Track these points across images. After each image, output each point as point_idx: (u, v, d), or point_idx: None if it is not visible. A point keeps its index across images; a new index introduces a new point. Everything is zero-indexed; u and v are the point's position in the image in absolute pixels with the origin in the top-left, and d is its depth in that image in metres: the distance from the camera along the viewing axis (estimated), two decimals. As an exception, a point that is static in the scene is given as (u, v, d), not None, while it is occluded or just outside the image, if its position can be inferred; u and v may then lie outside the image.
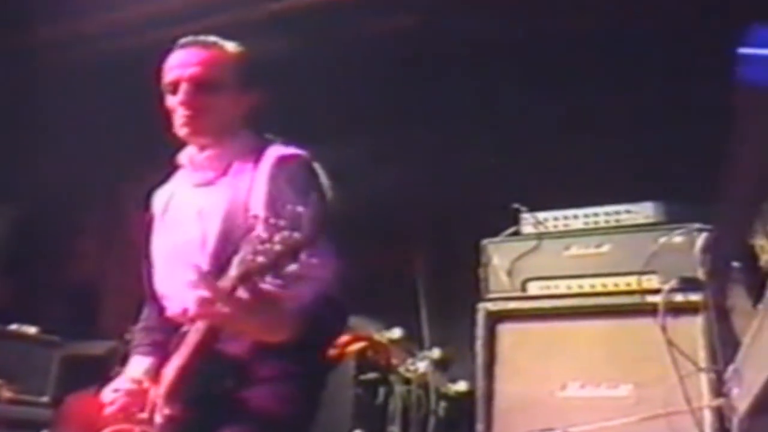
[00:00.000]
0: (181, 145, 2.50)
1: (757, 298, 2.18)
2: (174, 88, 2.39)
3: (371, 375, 4.15)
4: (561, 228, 3.86)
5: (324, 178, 2.34)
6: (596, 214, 3.82)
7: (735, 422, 2.61)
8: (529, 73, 4.88)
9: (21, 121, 5.55)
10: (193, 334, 2.11)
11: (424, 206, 5.09)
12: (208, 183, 2.41)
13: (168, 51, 2.47)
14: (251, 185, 2.29)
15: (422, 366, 4.33)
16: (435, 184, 5.09)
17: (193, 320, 2.16)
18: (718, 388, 3.06)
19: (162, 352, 2.34)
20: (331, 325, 2.24)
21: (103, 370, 4.79)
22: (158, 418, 2.16)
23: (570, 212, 3.87)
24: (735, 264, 2.86)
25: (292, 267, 1.83)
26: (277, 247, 1.79)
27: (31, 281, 5.81)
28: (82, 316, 5.84)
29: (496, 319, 3.76)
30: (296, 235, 1.78)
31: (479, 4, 4.79)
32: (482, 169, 4.95)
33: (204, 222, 2.32)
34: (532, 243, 3.81)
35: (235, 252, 1.98)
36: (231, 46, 2.47)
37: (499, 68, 4.94)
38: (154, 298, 2.53)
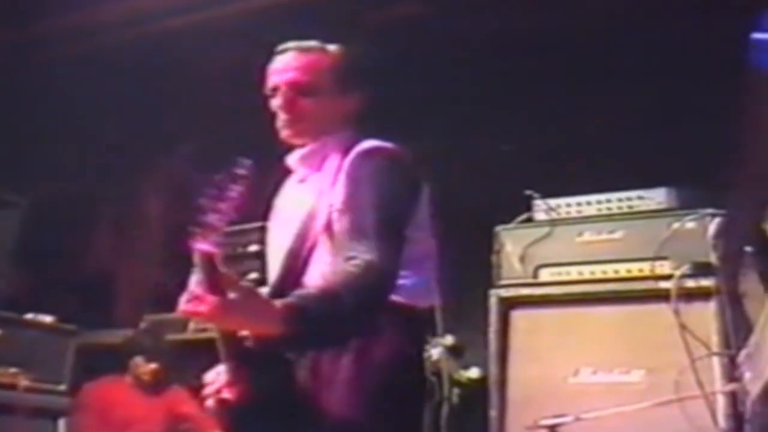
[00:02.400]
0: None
1: (769, 283, 2.19)
2: (274, 93, 2.43)
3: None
4: (574, 214, 3.87)
5: (409, 171, 2.36)
6: (609, 200, 3.83)
7: (748, 406, 2.62)
8: (541, 60, 4.87)
9: (36, 112, 5.57)
10: None
11: (436, 192, 5.08)
12: (305, 179, 2.47)
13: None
14: (335, 179, 2.31)
15: (435, 353, 4.34)
16: (447, 170, 5.08)
17: None
18: (731, 373, 3.07)
19: None
20: (351, 320, 2.11)
21: (119, 359, 4.84)
22: (209, 402, 2.18)
23: (583, 198, 3.88)
24: (747, 249, 2.87)
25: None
26: (222, 205, 1.91)
27: (47, 271, 5.85)
28: (98, 306, 5.88)
29: (508, 305, 3.78)
30: (231, 193, 1.93)
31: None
32: (495, 155, 4.95)
33: (300, 218, 2.37)
34: (545, 229, 3.82)
35: (312, 246, 2.09)
36: (331, 49, 2.48)
37: (509, 56, 4.93)
38: None
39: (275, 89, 2.43)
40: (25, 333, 4.68)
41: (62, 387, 4.76)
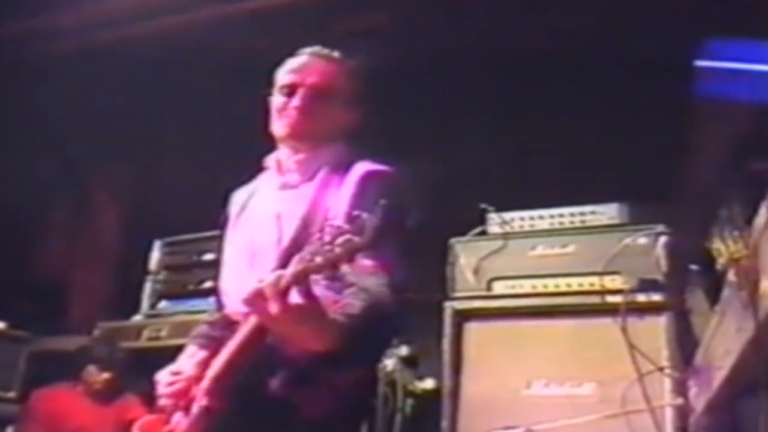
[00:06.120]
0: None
1: (714, 300, 2.24)
2: (290, 91, 2.42)
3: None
4: (527, 228, 3.90)
5: (412, 195, 2.37)
6: (562, 215, 3.86)
7: (692, 420, 2.67)
8: (496, 75, 4.91)
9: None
10: (242, 330, 2.12)
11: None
12: (292, 186, 2.43)
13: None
14: (335, 195, 2.31)
15: (390, 363, 4.35)
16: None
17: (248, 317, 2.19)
18: (680, 387, 3.12)
19: (215, 348, 2.34)
20: (378, 339, 2.23)
21: (71, 366, 4.79)
22: (195, 409, 2.19)
23: (536, 212, 3.92)
24: (693, 267, 2.92)
25: (346, 269, 1.85)
26: (337, 249, 1.78)
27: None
28: (51, 312, 5.83)
29: (462, 317, 3.80)
30: (356, 239, 1.76)
31: (453, 9, 4.81)
32: (450, 168, 4.98)
33: (282, 225, 2.35)
34: (499, 243, 3.84)
35: None
36: (349, 62, 2.52)
37: (465, 71, 4.97)
38: (219, 294, 2.55)
39: (292, 87, 2.42)
40: (-25, 340, 4.64)
41: (12, 394, 4.72)
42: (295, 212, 2.32)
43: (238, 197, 2.61)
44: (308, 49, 2.50)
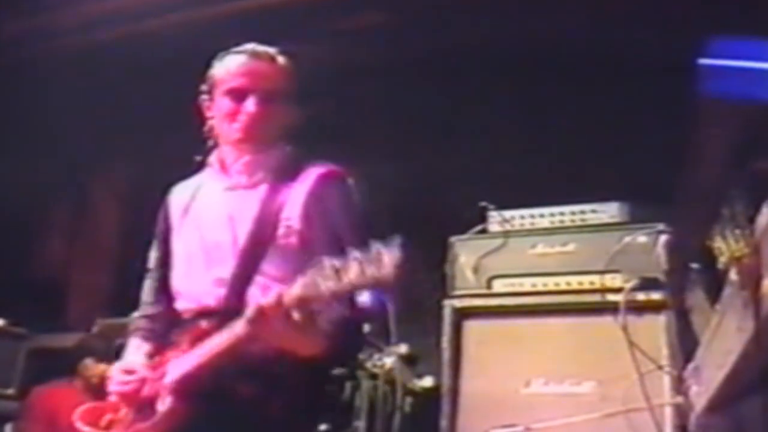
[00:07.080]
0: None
1: (715, 299, 2.23)
2: (240, 95, 2.42)
3: (338, 370, 4.16)
4: (527, 226, 3.89)
5: (365, 196, 2.43)
6: (562, 213, 3.85)
7: (692, 419, 2.66)
8: (496, 74, 4.91)
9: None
10: (226, 335, 2.09)
11: (391, 203, 5.10)
12: (242, 188, 2.45)
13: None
14: (287, 196, 2.36)
15: (389, 361, 4.34)
16: (403, 180, 5.11)
17: (211, 315, 2.25)
18: (679, 386, 3.12)
19: (160, 341, 2.40)
20: (354, 345, 2.39)
21: (70, 363, 4.79)
22: (161, 407, 2.18)
23: (536, 211, 3.91)
24: (694, 265, 2.92)
25: (362, 300, 1.94)
26: (350, 278, 1.78)
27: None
28: (50, 309, 5.83)
29: (461, 315, 3.79)
30: (375, 272, 1.76)
31: (453, 8, 4.81)
32: (450, 166, 4.98)
33: (235, 226, 2.38)
34: (499, 241, 3.84)
35: (262, 255, 2.20)
36: (287, 58, 2.52)
37: (465, 70, 4.96)
38: (165, 291, 2.56)
39: (241, 91, 2.42)
40: (-26, 337, 4.64)
41: (11, 391, 4.71)
42: (248, 214, 2.37)
43: (180, 194, 2.64)
44: (248, 48, 2.50)
